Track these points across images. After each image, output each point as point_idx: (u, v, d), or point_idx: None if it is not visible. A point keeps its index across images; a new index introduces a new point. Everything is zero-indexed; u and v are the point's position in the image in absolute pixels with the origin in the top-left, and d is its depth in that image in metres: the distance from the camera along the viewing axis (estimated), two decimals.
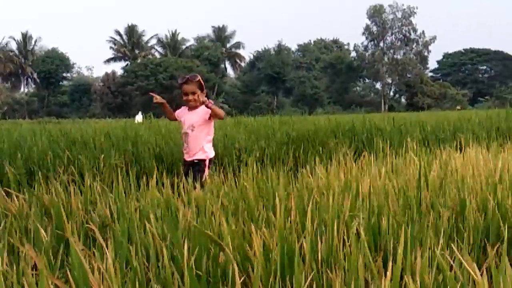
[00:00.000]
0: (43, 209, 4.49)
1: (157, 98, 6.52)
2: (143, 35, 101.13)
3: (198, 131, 6.36)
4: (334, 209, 3.46)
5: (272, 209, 3.87)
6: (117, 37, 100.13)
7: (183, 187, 5.02)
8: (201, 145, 6.33)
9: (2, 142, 8.67)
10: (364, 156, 6.76)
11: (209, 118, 6.33)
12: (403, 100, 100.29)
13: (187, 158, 6.40)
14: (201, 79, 6.44)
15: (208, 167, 6.28)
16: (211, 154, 6.43)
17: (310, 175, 5.63)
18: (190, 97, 6.39)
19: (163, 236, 3.30)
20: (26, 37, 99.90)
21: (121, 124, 15.68)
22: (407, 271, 2.69)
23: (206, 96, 6.43)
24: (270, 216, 3.71)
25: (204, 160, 6.30)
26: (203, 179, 5.90)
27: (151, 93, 6.85)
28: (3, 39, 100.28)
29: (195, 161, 6.30)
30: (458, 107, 74.95)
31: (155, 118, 20.35)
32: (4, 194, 4.90)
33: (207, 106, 6.16)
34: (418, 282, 2.60)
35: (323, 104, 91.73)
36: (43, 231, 3.54)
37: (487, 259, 2.97)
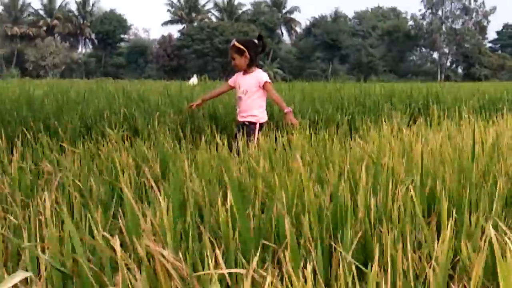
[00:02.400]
0: (96, 164, 4.56)
1: (193, 105, 6.91)
2: None
3: (250, 95, 6.41)
4: (388, 171, 3.44)
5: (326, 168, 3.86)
6: (175, 0, 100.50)
7: (237, 147, 5.05)
8: (253, 109, 6.38)
9: (60, 98, 8.81)
10: (419, 122, 6.69)
11: (263, 87, 6.38)
12: (459, 70, 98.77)
13: (239, 118, 6.47)
14: (237, 44, 6.44)
15: (258, 131, 6.30)
16: (262, 119, 6.42)
17: (364, 139, 5.61)
18: (233, 62, 6.56)
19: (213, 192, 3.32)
20: None
21: (176, 85, 15.77)
22: (462, 235, 2.67)
23: (252, 59, 6.48)
24: (323, 176, 3.70)
25: (254, 123, 6.34)
26: (254, 142, 5.93)
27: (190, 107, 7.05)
28: (63, 0, 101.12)
29: (246, 123, 6.36)
30: None
31: (211, 80, 20.39)
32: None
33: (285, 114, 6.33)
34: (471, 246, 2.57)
35: (378, 72, 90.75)
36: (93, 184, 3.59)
37: None
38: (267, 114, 6.64)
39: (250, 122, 6.32)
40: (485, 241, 2.44)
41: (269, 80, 6.38)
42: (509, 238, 2.31)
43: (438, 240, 2.58)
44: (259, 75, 6.38)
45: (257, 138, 6.11)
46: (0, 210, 3.15)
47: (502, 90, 13.66)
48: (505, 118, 7.63)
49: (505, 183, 3.52)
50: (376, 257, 2.08)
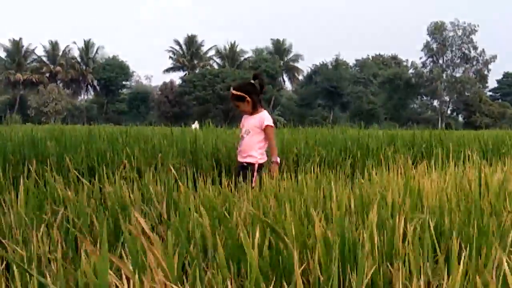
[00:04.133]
0: (101, 202, 4.54)
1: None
2: (202, 46, 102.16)
3: (252, 135, 6.51)
4: (395, 208, 3.41)
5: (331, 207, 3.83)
6: (177, 47, 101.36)
7: (240, 186, 5.03)
8: (253, 150, 6.46)
9: (63, 140, 8.79)
10: (423, 164, 6.67)
11: (264, 130, 6.43)
12: (460, 118, 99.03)
13: (239, 159, 6.55)
14: (234, 91, 6.61)
15: (257, 172, 6.33)
16: (261, 160, 6.48)
17: (368, 180, 5.58)
18: (238, 109, 6.72)
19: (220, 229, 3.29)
20: (88, 45, 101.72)
21: (178, 129, 15.82)
22: (472, 271, 2.63)
23: (255, 102, 6.57)
24: (328, 213, 3.68)
25: (253, 164, 6.39)
26: (253, 184, 5.92)
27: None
28: (67, 47, 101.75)
29: (245, 164, 6.42)
30: None
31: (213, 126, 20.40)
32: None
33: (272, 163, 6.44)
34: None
35: (379, 120, 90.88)
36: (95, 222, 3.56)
37: None
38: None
39: (248, 163, 6.37)
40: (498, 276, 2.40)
41: (272, 124, 6.46)
42: None
43: (448, 276, 2.55)
44: (263, 117, 6.47)
45: (255, 179, 6.13)
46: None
47: (505, 136, 13.68)
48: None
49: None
50: None
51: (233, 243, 2.75)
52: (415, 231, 2.93)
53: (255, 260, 2.49)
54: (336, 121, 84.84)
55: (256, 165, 6.37)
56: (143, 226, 2.54)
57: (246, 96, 6.50)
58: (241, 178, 5.44)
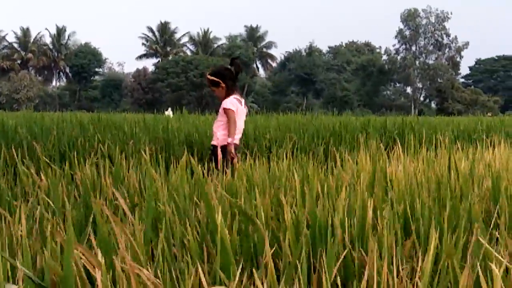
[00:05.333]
0: (72, 186, 4.51)
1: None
2: (175, 33, 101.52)
3: (218, 118, 6.61)
4: (364, 193, 3.42)
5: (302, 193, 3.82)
6: (150, 34, 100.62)
7: (213, 171, 5.01)
8: (217, 132, 6.54)
9: (35, 126, 8.72)
10: (395, 149, 6.70)
11: (225, 113, 6.45)
12: (433, 105, 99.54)
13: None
14: (210, 77, 6.66)
15: (223, 155, 6.33)
16: (223, 142, 6.46)
17: (340, 166, 5.59)
18: (214, 93, 6.76)
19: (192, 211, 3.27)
20: (61, 31, 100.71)
21: (151, 116, 15.76)
22: (442, 254, 2.64)
23: (229, 87, 6.56)
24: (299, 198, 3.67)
25: (215, 147, 6.42)
26: (218, 166, 5.90)
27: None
28: (38, 33, 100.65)
29: (211, 147, 6.57)
30: (489, 114, 74.08)
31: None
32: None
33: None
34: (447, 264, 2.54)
35: (353, 106, 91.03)
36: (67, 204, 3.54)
37: None
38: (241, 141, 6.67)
39: (213, 146, 6.42)
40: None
41: (229, 107, 6.42)
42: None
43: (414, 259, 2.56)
44: (224, 101, 6.47)
45: (220, 160, 6.15)
46: None
47: (477, 121, 13.81)
48: (480, 147, 7.66)
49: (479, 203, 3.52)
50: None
51: (204, 226, 2.73)
52: (384, 216, 2.94)
53: (227, 242, 2.48)
54: (309, 108, 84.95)
55: (219, 148, 6.38)
56: (106, 211, 2.52)
57: (220, 81, 6.51)
58: (213, 164, 5.45)
